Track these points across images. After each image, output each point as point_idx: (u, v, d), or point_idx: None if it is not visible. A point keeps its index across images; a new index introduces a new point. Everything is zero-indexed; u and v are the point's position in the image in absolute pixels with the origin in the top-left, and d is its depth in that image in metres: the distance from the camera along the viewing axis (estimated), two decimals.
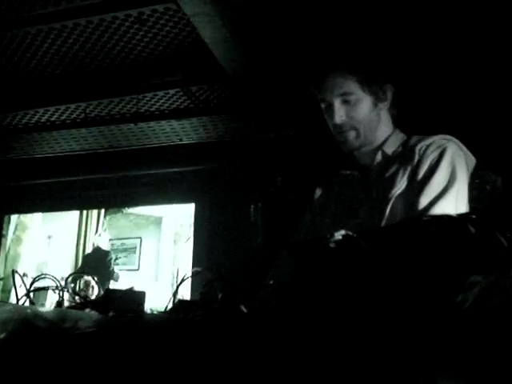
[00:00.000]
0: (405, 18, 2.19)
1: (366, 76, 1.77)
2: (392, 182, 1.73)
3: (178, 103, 3.00)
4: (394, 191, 1.70)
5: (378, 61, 1.85)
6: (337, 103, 1.79)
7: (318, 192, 2.00)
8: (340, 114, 1.79)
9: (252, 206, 3.38)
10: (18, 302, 1.34)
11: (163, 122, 3.16)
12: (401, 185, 1.71)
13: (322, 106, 1.85)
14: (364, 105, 1.79)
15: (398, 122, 1.93)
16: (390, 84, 1.82)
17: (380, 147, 1.84)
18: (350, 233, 0.86)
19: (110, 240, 8.10)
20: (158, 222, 8.82)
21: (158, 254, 8.77)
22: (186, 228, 7.86)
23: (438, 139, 1.76)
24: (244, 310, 1.02)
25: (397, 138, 1.86)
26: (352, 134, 1.81)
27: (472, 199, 1.74)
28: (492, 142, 2.44)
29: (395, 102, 1.87)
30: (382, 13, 2.16)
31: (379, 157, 1.83)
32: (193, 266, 3.60)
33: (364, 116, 1.79)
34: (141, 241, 8.70)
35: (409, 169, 1.73)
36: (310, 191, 2.08)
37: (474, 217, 0.76)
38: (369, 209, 1.75)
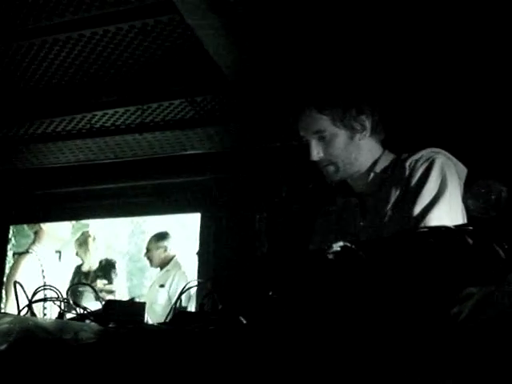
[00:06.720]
0: (386, 40, 2.19)
1: (336, 113, 1.81)
2: (386, 199, 1.77)
3: (182, 113, 3.00)
4: (388, 207, 1.74)
5: (350, 97, 1.87)
6: (313, 141, 1.85)
7: (318, 223, 2.04)
8: (316, 151, 1.84)
9: (257, 216, 3.37)
10: (19, 313, 1.34)
11: (168, 133, 3.16)
12: (394, 199, 1.74)
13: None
14: (339, 139, 1.84)
15: (387, 144, 1.95)
16: (366, 114, 1.85)
17: (371, 170, 1.87)
18: (348, 244, 0.86)
19: None
20: None
21: None
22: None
23: (426, 153, 1.79)
24: (243, 321, 1.02)
25: (386, 159, 1.90)
26: (331, 169, 1.87)
27: (476, 209, 1.75)
28: (499, 152, 2.43)
29: (380, 127, 1.89)
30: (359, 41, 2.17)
31: (371, 180, 1.87)
32: (198, 276, 3.59)
33: (341, 150, 1.84)
34: None
35: (401, 184, 1.75)
36: (315, 201, 2.09)
37: (471, 228, 0.75)
38: (368, 230, 1.78)
